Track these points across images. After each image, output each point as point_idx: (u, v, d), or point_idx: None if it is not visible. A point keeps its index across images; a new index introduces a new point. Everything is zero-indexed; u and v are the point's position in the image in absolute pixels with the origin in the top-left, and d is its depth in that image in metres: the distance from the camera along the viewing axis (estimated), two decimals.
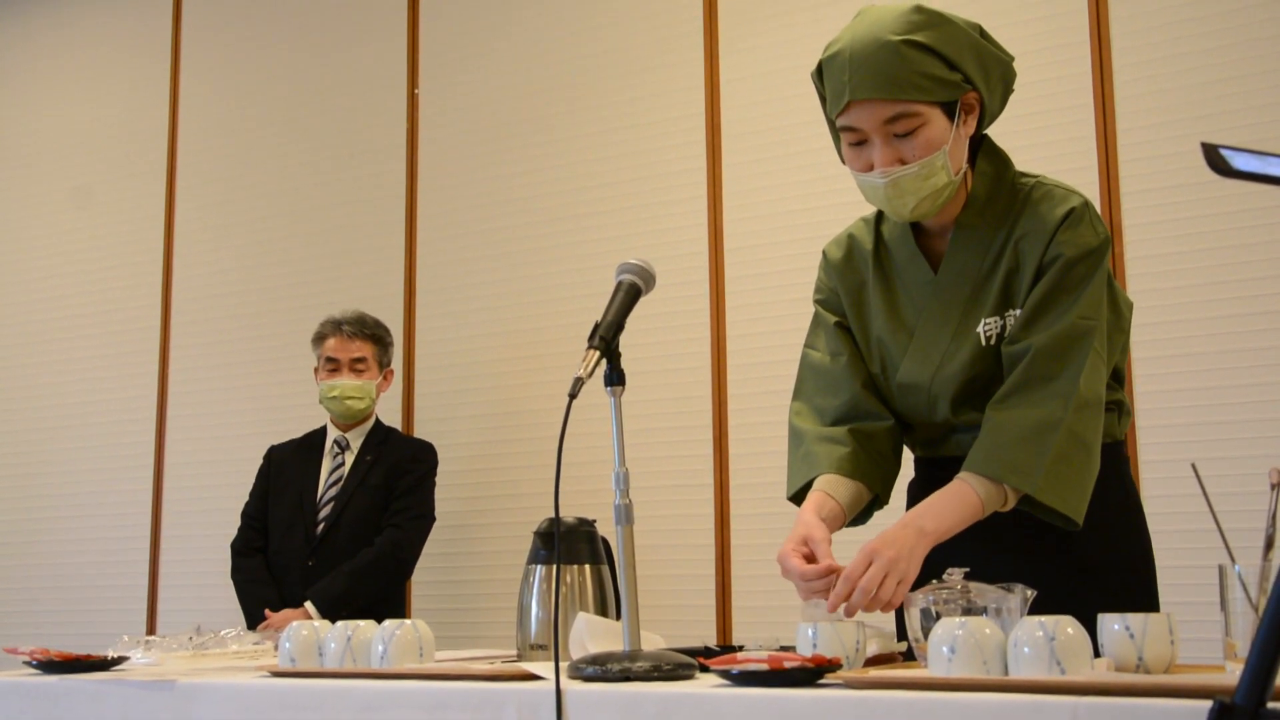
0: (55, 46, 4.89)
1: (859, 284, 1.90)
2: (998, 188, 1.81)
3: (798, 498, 1.86)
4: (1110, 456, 1.80)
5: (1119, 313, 1.82)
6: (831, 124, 1.79)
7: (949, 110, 1.71)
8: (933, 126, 1.69)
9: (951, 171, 1.73)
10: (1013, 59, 1.80)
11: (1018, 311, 1.75)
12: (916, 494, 1.93)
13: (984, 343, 1.76)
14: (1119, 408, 1.84)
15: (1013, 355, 1.72)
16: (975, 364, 1.76)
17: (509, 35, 3.99)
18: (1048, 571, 1.69)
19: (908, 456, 1.96)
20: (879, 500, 1.89)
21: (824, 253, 1.97)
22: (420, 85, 4.12)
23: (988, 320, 1.76)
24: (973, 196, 1.80)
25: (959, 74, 1.71)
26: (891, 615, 1.83)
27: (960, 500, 1.66)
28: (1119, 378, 1.84)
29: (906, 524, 1.64)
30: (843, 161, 1.82)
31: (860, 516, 1.88)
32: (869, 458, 1.84)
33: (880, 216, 1.90)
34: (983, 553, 1.72)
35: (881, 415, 1.86)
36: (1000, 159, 1.84)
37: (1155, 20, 3.09)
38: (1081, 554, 1.75)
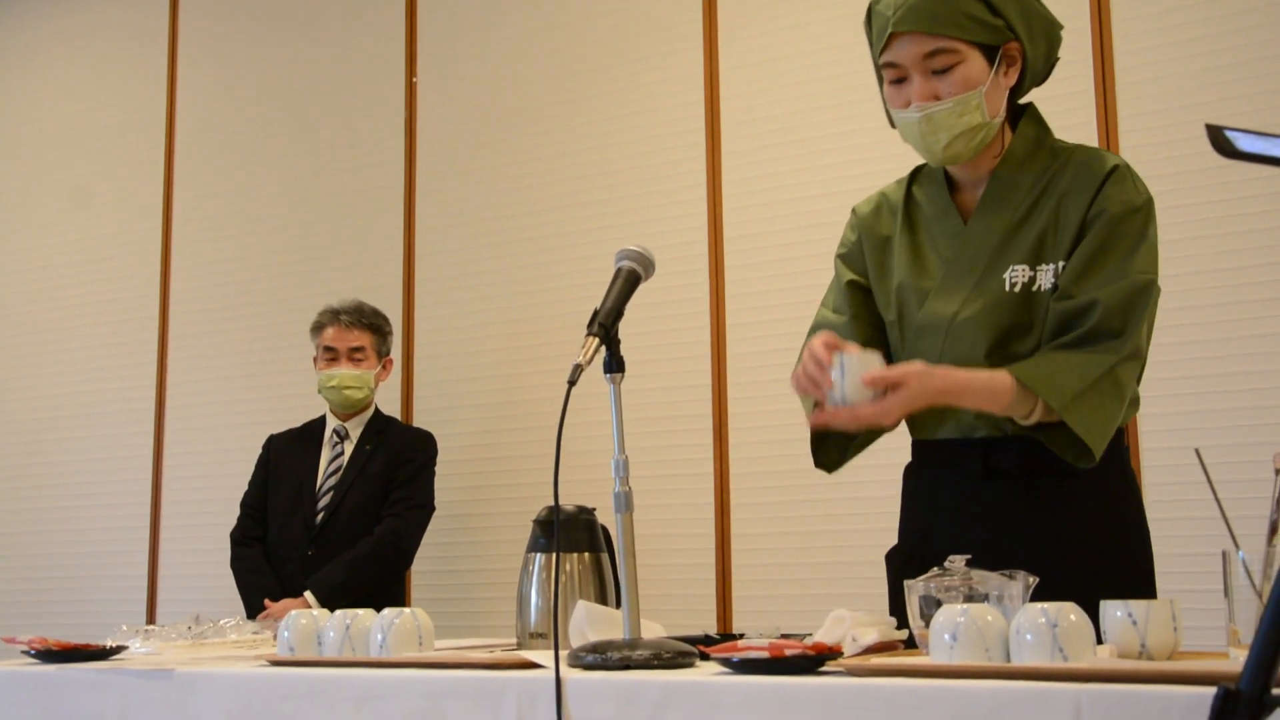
0: (51, 37, 4.87)
1: (885, 237, 1.92)
2: (1037, 149, 1.84)
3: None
4: (1111, 443, 1.80)
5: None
6: (878, 71, 1.83)
7: (989, 55, 1.75)
8: (970, 65, 1.74)
9: (986, 113, 1.76)
10: (1061, 26, 1.84)
11: (1048, 266, 1.75)
12: (912, 478, 1.94)
13: (1008, 288, 1.77)
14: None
15: (1073, 309, 1.72)
16: (996, 310, 1.76)
17: (507, 23, 3.98)
18: (1044, 550, 1.69)
19: (900, 435, 1.95)
20: None
21: (853, 210, 1.99)
22: (418, 74, 4.10)
23: (1015, 267, 1.77)
24: (1010, 152, 1.83)
25: (1001, 20, 1.75)
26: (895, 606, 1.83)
27: (995, 384, 1.68)
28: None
29: (944, 392, 1.67)
30: (891, 125, 1.85)
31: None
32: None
33: (913, 177, 1.93)
34: (979, 530, 1.74)
35: None
36: (1043, 126, 1.87)
37: (1156, 6, 3.08)
38: (1079, 534, 1.75)
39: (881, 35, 1.77)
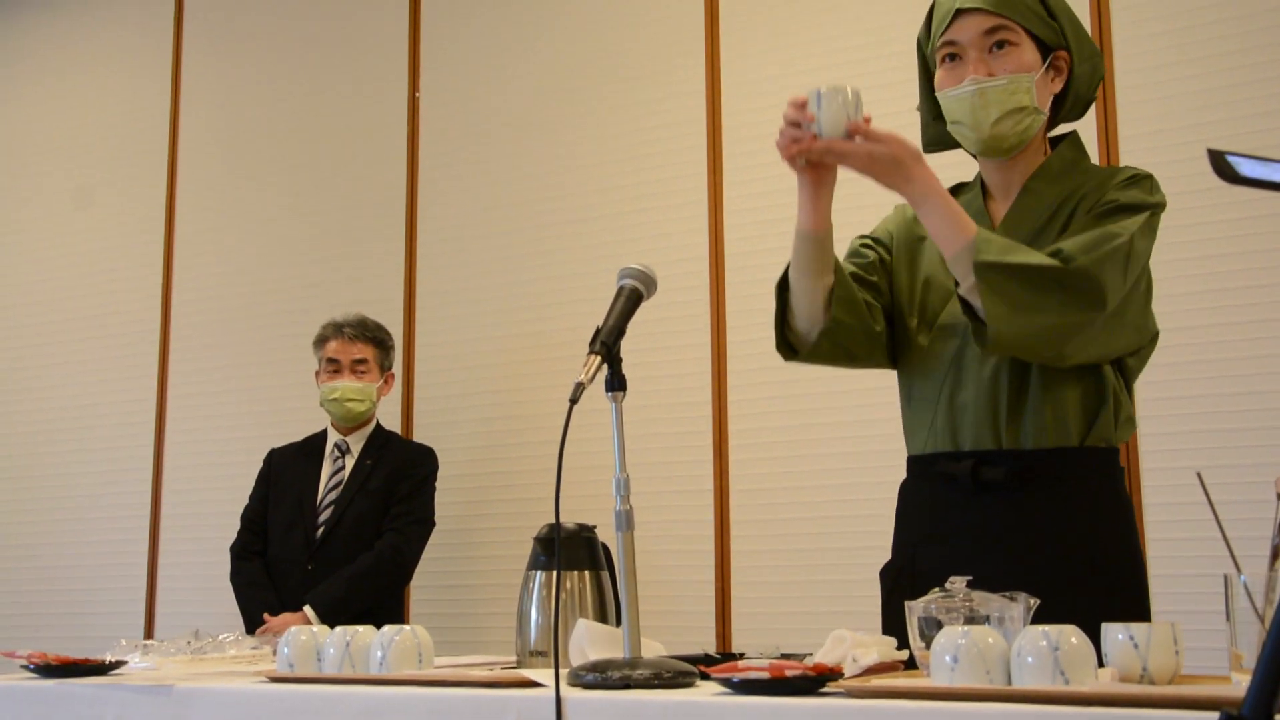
0: (55, 44, 4.88)
1: (919, 237, 1.96)
2: (1072, 169, 1.89)
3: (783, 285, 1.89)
4: (1104, 462, 1.81)
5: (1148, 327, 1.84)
6: (923, 64, 1.92)
7: (1043, 53, 1.84)
8: (1025, 51, 1.83)
9: (1035, 100, 1.82)
10: (1103, 74, 1.93)
11: None
12: (909, 496, 1.94)
13: None
14: (1120, 415, 1.83)
15: (1049, 254, 1.73)
16: None
17: (510, 39, 3.99)
18: (1030, 564, 1.70)
19: (901, 454, 1.95)
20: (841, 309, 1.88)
21: (895, 206, 2.04)
22: (421, 89, 4.11)
23: None
24: (1045, 167, 1.88)
25: (1056, 24, 1.85)
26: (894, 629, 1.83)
27: (960, 219, 1.71)
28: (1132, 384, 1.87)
29: (912, 179, 1.69)
30: (929, 144, 1.94)
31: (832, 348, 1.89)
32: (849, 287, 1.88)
33: (954, 191, 1.96)
34: (967, 543, 1.76)
35: (864, 302, 1.89)
36: (1082, 151, 1.93)
37: (1157, 27, 3.09)
38: (1066, 549, 1.75)
39: (946, 16, 1.86)
